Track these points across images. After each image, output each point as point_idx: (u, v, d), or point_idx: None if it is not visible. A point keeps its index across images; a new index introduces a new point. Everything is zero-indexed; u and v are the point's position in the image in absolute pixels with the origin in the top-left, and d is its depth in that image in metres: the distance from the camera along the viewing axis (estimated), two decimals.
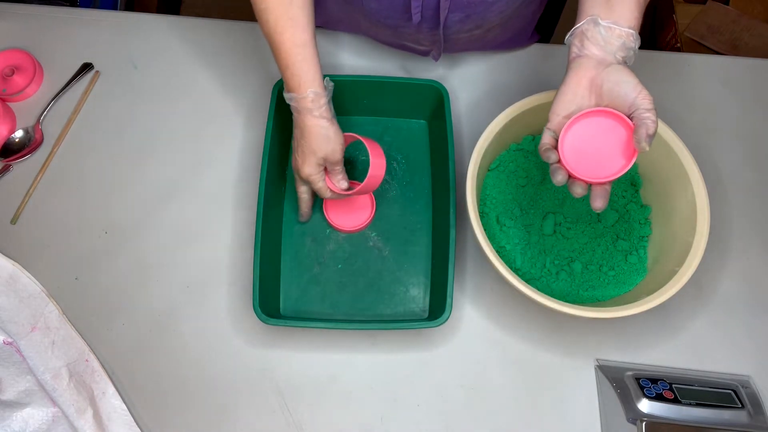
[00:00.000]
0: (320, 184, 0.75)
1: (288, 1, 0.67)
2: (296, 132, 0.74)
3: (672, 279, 0.68)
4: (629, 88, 0.58)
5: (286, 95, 0.72)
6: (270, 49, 0.71)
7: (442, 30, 0.79)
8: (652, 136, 0.56)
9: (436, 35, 0.80)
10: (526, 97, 0.75)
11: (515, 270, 0.77)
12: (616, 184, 0.79)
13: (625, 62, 0.60)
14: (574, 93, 0.61)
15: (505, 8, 0.78)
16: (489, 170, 0.80)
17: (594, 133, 0.60)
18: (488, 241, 0.70)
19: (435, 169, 0.84)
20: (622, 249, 0.77)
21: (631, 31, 0.59)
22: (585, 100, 0.61)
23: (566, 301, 0.68)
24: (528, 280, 0.75)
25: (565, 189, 0.80)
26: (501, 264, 0.68)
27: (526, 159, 0.80)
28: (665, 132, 0.73)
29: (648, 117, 0.57)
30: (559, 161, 0.61)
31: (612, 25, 0.59)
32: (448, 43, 0.84)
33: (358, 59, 0.93)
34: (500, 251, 0.77)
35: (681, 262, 0.69)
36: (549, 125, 0.62)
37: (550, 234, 0.78)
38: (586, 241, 0.78)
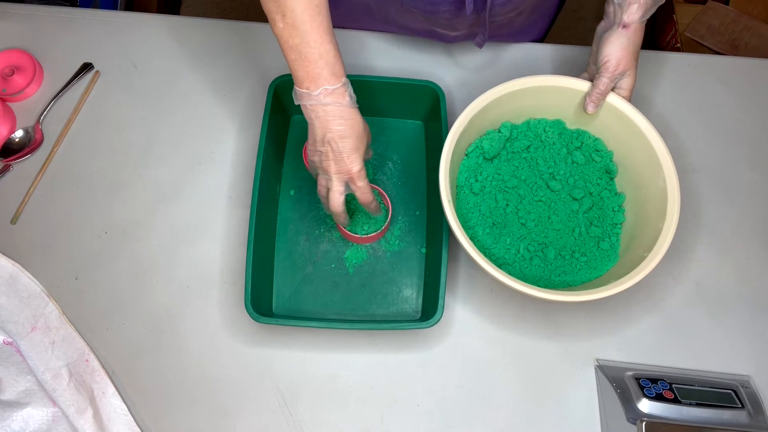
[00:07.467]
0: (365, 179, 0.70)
1: None
2: (330, 132, 0.67)
3: (639, 265, 0.69)
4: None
5: (310, 93, 0.65)
6: (287, 46, 0.64)
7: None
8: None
9: (475, 20, 0.82)
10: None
11: (490, 256, 0.76)
12: (591, 171, 0.79)
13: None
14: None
15: None
16: (465, 155, 0.80)
17: None
18: (458, 221, 0.69)
19: (430, 170, 0.84)
20: (594, 235, 0.77)
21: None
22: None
23: (539, 286, 0.68)
24: (501, 266, 0.75)
25: (539, 177, 0.79)
26: (469, 244, 0.68)
27: (502, 143, 0.79)
28: (640, 121, 0.74)
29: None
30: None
31: None
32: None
33: (360, 59, 0.93)
34: (474, 236, 0.77)
35: (650, 248, 0.69)
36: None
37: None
38: (560, 228, 0.78)
